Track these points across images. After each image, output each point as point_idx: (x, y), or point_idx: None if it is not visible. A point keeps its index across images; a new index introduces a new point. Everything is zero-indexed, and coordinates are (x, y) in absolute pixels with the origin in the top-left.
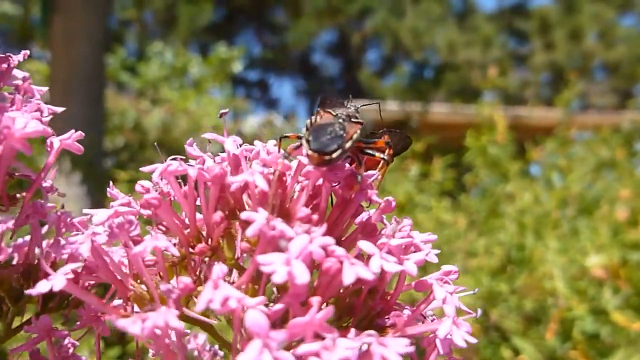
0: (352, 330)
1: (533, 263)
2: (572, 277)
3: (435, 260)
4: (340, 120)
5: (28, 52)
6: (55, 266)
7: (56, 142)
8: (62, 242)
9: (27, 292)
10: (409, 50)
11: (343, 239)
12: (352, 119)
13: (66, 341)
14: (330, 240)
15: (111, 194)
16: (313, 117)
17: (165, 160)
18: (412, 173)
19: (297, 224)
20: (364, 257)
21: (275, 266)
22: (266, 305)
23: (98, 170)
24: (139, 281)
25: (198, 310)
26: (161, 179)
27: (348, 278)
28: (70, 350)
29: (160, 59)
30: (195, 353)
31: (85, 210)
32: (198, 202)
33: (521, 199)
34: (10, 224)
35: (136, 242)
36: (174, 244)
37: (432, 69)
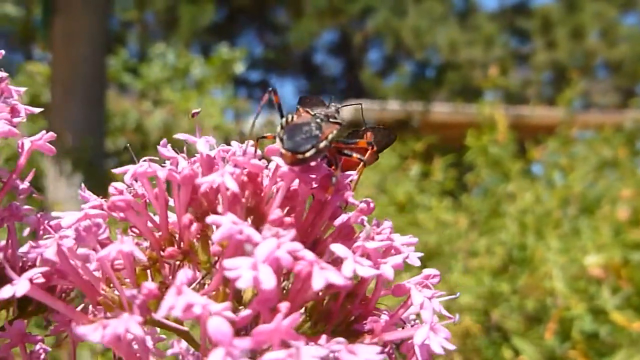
0: (324, 337)
1: (534, 263)
2: (572, 277)
3: (417, 263)
4: (318, 120)
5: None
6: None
7: (27, 142)
8: (30, 245)
9: None
10: (410, 50)
11: (321, 241)
12: (331, 119)
13: (37, 347)
14: (298, 245)
15: (82, 196)
16: (289, 116)
17: (139, 160)
18: (413, 173)
19: (267, 227)
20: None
21: (241, 271)
22: (237, 311)
23: (99, 171)
24: (111, 285)
25: (158, 317)
26: (135, 181)
27: (317, 283)
28: (42, 356)
29: (162, 60)
30: (180, 357)
31: (54, 213)
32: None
33: (522, 198)
34: None
35: (104, 246)
36: (147, 247)
37: (433, 69)
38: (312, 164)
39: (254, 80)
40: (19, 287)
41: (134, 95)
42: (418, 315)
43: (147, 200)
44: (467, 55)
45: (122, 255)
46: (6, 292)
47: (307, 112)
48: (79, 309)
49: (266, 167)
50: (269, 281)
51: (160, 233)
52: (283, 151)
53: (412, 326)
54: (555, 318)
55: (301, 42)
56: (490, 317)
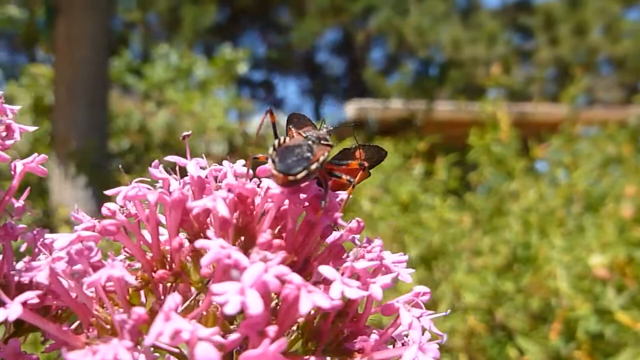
0: (312, 358)
1: (538, 261)
2: (577, 276)
3: (408, 280)
4: (310, 142)
5: None
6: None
7: (19, 165)
8: (25, 265)
9: None
10: (413, 48)
11: (311, 261)
12: (322, 141)
13: None
14: (285, 269)
15: (75, 218)
16: (282, 138)
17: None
18: (416, 172)
19: (255, 251)
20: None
21: (229, 296)
22: (230, 331)
23: (103, 173)
24: (104, 306)
25: (147, 343)
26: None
27: (304, 307)
28: None
29: (165, 61)
30: None
31: (47, 235)
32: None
33: (526, 196)
34: None
35: (96, 268)
36: (139, 268)
37: (436, 67)
38: (303, 185)
39: (257, 80)
40: (11, 311)
41: (138, 97)
42: None
43: (141, 220)
44: (470, 53)
45: (113, 279)
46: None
47: (300, 134)
48: (73, 326)
49: (258, 186)
50: (256, 306)
51: (151, 255)
52: (275, 172)
53: (402, 344)
54: (560, 318)
55: (304, 42)
56: (494, 317)
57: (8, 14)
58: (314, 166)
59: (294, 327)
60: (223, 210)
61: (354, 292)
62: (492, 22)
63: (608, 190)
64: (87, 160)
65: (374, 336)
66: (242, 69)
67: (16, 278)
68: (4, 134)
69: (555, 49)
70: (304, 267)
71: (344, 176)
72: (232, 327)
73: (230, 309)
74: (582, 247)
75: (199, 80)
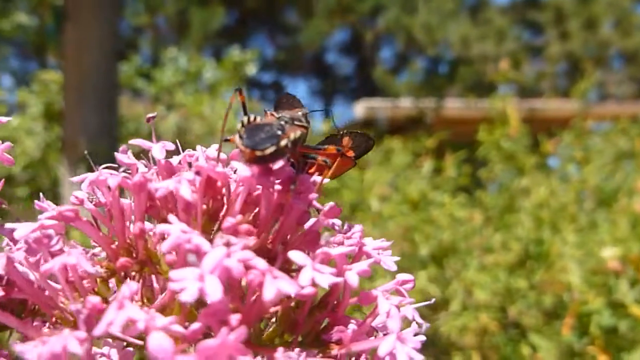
0: (280, 349)
1: (551, 258)
2: (590, 271)
3: (393, 267)
4: (282, 122)
5: None
6: None
7: None
8: None
9: None
10: (422, 46)
11: (287, 248)
12: (296, 122)
13: None
14: (249, 254)
15: (40, 206)
16: (252, 115)
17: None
18: (426, 170)
19: (219, 236)
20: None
21: (186, 282)
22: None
23: None
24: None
25: (97, 334)
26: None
27: (269, 293)
28: None
29: (174, 64)
30: None
31: (7, 225)
32: None
33: (537, 193)
34: None
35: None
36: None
37: (446, 64)
38: (275, 166)
39: (266, 82)
40: None
41: (148, 100)
42: None
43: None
44: (480, 50)
45: (69, 267)
46: None
47: (273, 115)
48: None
49: (235, 172)
50: (215, 293)
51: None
52: (242, 147)
53: (385, 335)
54: (572, 313)
55: (312, 42)
56: (507, 314)
57: (18, 21)
58: (283, 142)
59: (273, 319)
60: (186, 193)
61: (325, 278)
62: (501, 19)
63: (620, 185)
64: (97, 164)
65: (353, 326)
66: (251, 70)
67: None
68: None
69: (565, 44)
70: (280, 254)
71: (319, 157)
72: None
73: (187, 296)
74: (595, 242)
75: (208, 83)
